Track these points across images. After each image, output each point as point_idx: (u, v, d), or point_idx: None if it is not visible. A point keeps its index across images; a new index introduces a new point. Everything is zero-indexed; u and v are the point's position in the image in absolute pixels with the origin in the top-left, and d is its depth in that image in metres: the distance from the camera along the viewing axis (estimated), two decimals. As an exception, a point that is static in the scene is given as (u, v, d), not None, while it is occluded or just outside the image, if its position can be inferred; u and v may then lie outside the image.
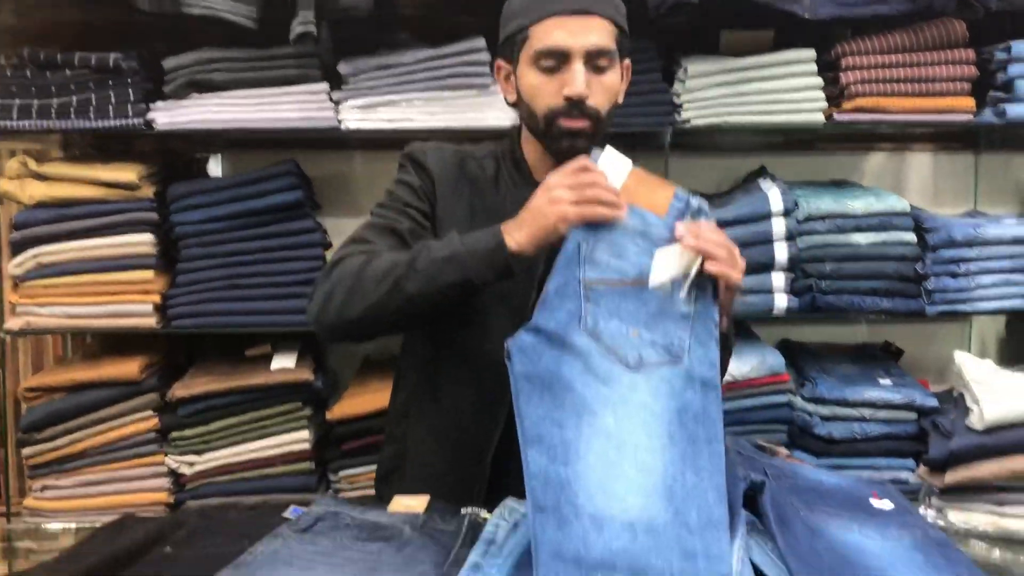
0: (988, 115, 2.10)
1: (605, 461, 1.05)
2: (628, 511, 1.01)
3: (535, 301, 1.30)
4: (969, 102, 2.10)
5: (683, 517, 1.01)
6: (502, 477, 1.42)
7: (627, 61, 1.43)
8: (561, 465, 1.04)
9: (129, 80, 2.00)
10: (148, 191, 2.05)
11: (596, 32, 1.33)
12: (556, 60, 1.33)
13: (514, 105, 1.45)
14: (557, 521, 1.01)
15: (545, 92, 1.35)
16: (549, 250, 1.25)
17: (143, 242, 2.04)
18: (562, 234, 1.18)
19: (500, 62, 1.44)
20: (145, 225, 2.04)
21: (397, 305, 1.29)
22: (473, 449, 1.44)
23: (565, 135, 1.35)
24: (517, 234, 1.24)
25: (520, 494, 1.09)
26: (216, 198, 2.06)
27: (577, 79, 1.31)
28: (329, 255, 2.12)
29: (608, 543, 0.99)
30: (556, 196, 1.19)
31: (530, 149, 1.45)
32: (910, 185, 2.50)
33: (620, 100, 1.43)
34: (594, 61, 1.33)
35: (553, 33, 1.32)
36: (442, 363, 1.47)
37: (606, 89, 1.36)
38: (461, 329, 1.44)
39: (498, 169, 1.47)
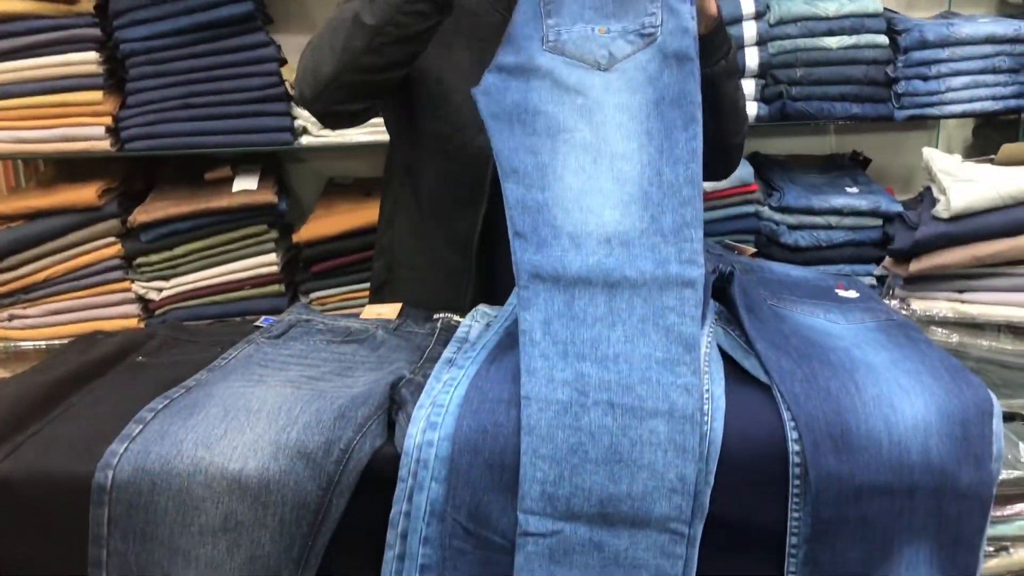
0: (968, -93, 2.02)
1: (582, 177, 1.04)
2: (605, 226, 1.02)
3: None
4: None
5: (658, 223, 1.02)
6: (490, 269, 1.43)
7: None
8: (538, 191, 1.04)
9: None
10: (88, 5, 1.92)
11: None
12: None
13: None
14: (536, 244, 1.02)
15: None
16: None
17: (87, 60, 1.94)
18: None
19: None
20: (88, 42, 1.93)
21: (365, 43, 1.23)
22: (456, 243, 1.45)
23: None
24: None
25: (511, 287, 1.09)
26: (161, 11, 1.94)
27: None
28: (284, 72, 2.04)
29: (585, 259, 1.01)
30: None
31: None
32: (885, -12, 2.43)
33: None
34: None
35: None
36: (419, 162, 1.46)
37: None
38: (433, 122, 1.41)
39: None
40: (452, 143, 1.42)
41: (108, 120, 1.97)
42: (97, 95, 1.95)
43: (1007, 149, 1.36)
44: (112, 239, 2.03)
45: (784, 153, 2.38)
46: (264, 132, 2.02)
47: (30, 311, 2.05)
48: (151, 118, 1.98)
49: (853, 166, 2.31)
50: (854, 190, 2.14)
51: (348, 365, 1.18)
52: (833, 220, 2.08)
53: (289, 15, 2.27)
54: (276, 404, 1.03)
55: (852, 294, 1.29)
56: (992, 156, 1.38)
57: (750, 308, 1.16)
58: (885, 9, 2.10)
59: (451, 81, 1.40)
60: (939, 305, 1.33)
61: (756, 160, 2.30)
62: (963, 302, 1.32)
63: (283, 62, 2.06)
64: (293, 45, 2.18)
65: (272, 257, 2.07)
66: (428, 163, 1.47)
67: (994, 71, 2.08)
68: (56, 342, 1.98)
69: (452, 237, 1.46)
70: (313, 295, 2.14)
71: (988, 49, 2.06)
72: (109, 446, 0.98)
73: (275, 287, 2.10)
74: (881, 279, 1.46)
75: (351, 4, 1.26)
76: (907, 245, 1.33)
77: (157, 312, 2.08)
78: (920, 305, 1.33)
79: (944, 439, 0.98)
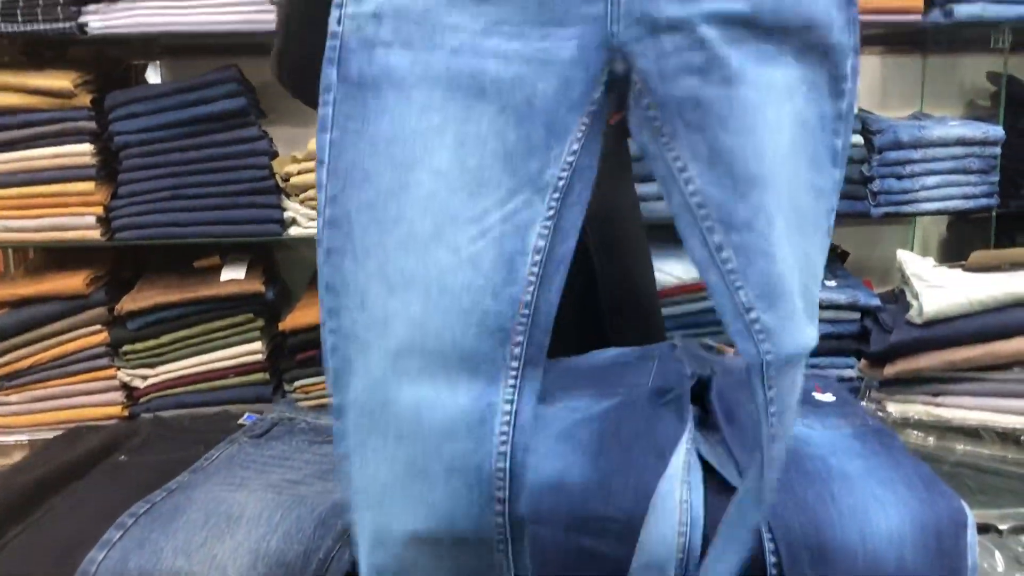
0: (936, 15, 2.10)
1: None
2: None
3: None
4: (917, 2, 2.10)
5: None
6: None
7: None
8: None
9: (58, -19, 1.91)
10: (84, 99, 1.97)
11: None
12: None
13: None
14: None
15: None
16: None
17: (82, 152, 1.97)
18: None
19: None
20: (83, 135, 1.97)
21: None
22: None
23: None
24: None
25: None
26: (156, 106, 1.99)
27: None
28: (276, 164, 2.08)
29: None
30: None
31: None
32: (859, 88, 2.50)
33: None
34: None
35: None
36: None
37: None
38: None
39: None
40: None
41: (99, 210, 2.00)
42: (89, 186, 1.99)
43: (977, 256, 1.40)
44: (98, 327, 2.04)
45: (764, 245, 2.43)
46: (254, 223, 2.05)
47: (13, 398, 2.04)
48: (142, 208, 2.01)
49: (832, 259, 2.35)
50: (832, 283, 2.17)
51: (329, 468, 1.19)
52: (812, 313, 2.11)
53: (282, 109, 2.32)
54: (256, 511, 1.04)
55: (828, 397, 1.31)
56: (963, 263, 1.43)
57: (728, 414, 1.18)
58: (860, 109, 2.18)
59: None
60: (915, 408, 1.35)
61: (737, 253, 2.34)
62: (938, 406, 1.34)
63: (275, 154, 2.11)
64: (286, 137, 2.23)
65: (257, 346, 2.08)
66: None
67: (965, 171, 2.14)
68: (39, 432, 1.97)
69: None
70: (297, 383, 2.14)
71: (959, 151, 2.13)
72: (88, 553, 0.98)
73: (260, 375, 2.10)
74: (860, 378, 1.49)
75: None
76: (882, 348, 1.36)
77: (141, 400, 2.08)
78: (896, 408, 1.36)
79: (919, 551, 0.99)
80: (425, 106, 0.69)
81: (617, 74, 0.72)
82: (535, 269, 0.72)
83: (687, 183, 0.72)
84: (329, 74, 0.71)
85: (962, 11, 2.05)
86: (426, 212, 0.70)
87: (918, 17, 2.10)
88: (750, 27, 0.72)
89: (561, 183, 0.72)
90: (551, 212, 0.72)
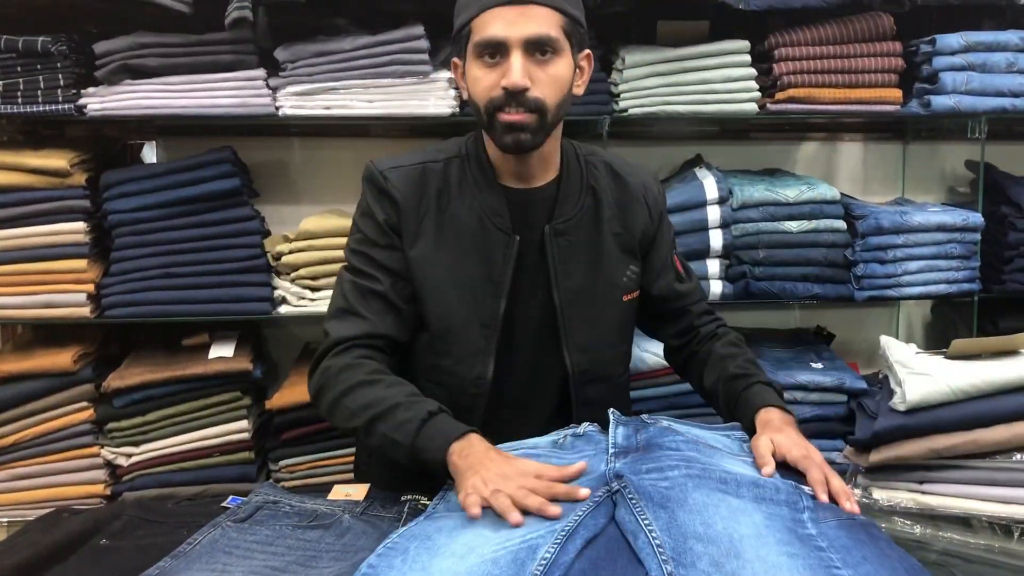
0: (914, 106, 2.17)
1: None
2: None
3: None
4: (896, 93, 2.17)
5: None
6: None
7: (587, 51, 1.43)
8: None
9: (59, 64, 1.96)
10: (80, 178, 2.00)
11: (536, 21, 1.31)
12: (496, 52, 1.32)
13: (468, 103, 1.43)
14: None
15: (485, 84, 1.34)
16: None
17: (75, 230, 2.00)
18: None
19: (455, 60, 1.43)
20: (77, 213, 2.00)
21: (365, 443, 1.39)
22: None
23: (506, 129, 1.34)
24: (460, 464, 1.18)
25: None
26: (150, 185, 2.03)
27: (514, 69, 1.30)
28: (267, 243, 2.11)
29: None
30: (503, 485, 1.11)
31: (492, 147, 1.43)
32: (841, 173, 2.57)
33: (580, 91, 1.43)
34: (535, 51, 1.32)
35: (491, 25, 1.31)
36: (416, 379, 1.44)
37: (552, 79, 1.34)
38: (434, 355, 1.46)
39: (463, 173, 1.45)
40: (450, 373, 1.44)
41: (90, 287, 2.01)
42: (81, 263, 2.00)
43: (957, 345, 1.42)
44: (84, 404, 2.03)
45: (749, 327, 2.44)
46: (243, 302, 2.06)
47: (-5, 475, 2.02)
48: (133, 286, 2.03)
49: (817, 341, 2.37)
50: (819, 365, 2.19)
51: (313, 554, 1.17)
52: (799, 395, 2.12)
53: (274, 188, 2.36)
54: (238, 600, 1.03)
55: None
56: (944, 350, 1.44)
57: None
58: (842, 195, 2.22)
59: (459, 317, 1.43)
60: (900, 495, 1.34)
61: (723, 334, 2.36)
62: (923, 493, 1.34)
63: (266, 233, 2.13)
64: (278, 216, 2.27)
65: (243, 424, 2.08)
66: (424, 383, 1.44)
67: (947, 257, 2.18)
68: (19, 511, 1.95)
69: None
70: (283, 463, 2.12)
71: (940, 236, 2.18)
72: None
73: (245, 454, 2.09)
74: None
75: (365, 398, 1.33)
76: (867, 435, 1.37)
77: (124, 478, 2.06)
78: (882, 495, 1.35)
79: (904, 646, 0.99)
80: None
81: (613, 488, 1.10)
82: (540, 567, 0.95)
83: (651, 533, 1.00)
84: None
85: (939, 103, 2.11)
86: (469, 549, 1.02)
87: (897, 108, 2.17)
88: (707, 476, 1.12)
89: (567, 528, 1.02)
90: (558, 542, 1.00)
